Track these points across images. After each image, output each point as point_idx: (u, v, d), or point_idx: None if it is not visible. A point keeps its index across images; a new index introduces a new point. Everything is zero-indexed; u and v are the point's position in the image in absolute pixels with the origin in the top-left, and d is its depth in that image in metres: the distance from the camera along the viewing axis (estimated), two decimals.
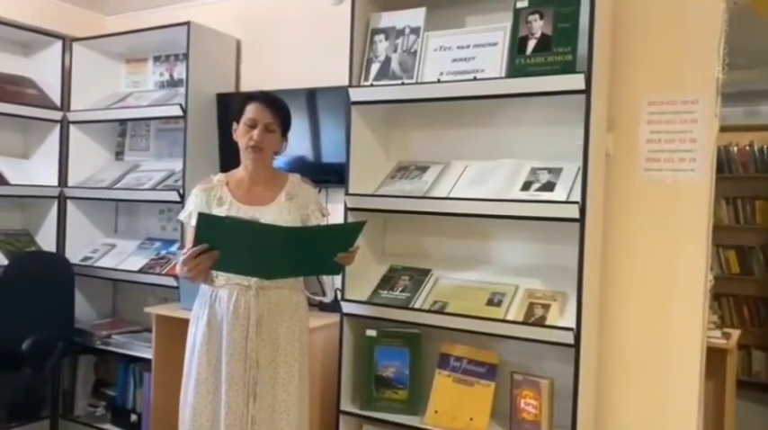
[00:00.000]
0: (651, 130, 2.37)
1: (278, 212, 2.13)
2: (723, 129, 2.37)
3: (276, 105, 2.16)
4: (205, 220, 1.91)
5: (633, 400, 2.38)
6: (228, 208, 2.13)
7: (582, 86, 2.09)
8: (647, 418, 2.35)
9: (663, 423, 2.33)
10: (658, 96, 2.35)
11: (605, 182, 2.38)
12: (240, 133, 2.15)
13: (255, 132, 2.11)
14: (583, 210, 2.10)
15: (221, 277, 2.11)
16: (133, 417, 3.25)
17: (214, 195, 2.16)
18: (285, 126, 2.20)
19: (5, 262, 3.27)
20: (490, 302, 2.33)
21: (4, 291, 3.07)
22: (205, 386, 2.09)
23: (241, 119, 2.15)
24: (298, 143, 2.95)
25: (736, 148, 5.26)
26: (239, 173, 2.22)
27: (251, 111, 2.13)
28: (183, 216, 2.22)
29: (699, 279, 2.29)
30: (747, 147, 5.26)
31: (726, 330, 3.31)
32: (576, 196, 2.14)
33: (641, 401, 2.36)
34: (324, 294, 2.82)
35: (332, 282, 2.80)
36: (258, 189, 2.19)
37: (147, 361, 3.01)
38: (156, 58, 3.68)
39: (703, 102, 2.29)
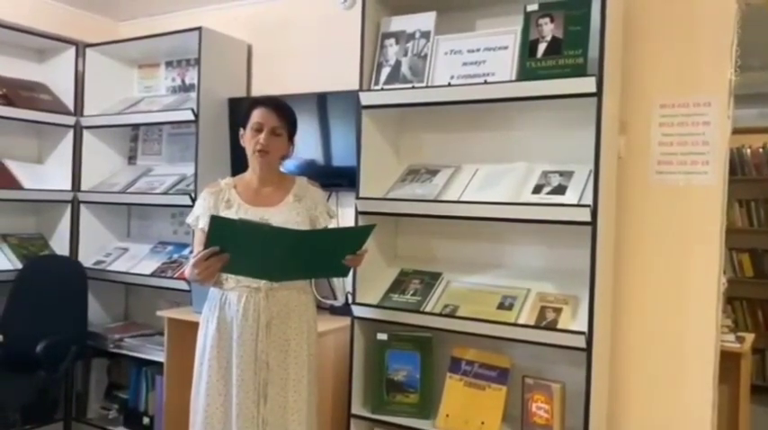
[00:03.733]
0: (663, 133, 2.36)
1: (287, 213, 2.14)
2: (736, 131, 2.35)
3: (282, 109, 2.17)
4: (217, 223, 1.92)
5: (646, 405, 2.36)
6: (237, 210, 2.14)
7: (593, 89, 2.08)
8: (660, 423, 2.34)
9: (676, 427, 2.31)
10: (670, 99, 2.34)
11: (617, 185, 2.37)
12: (247, 138, 2.17)
13: (262, 136, 2.13)
14: (594, 214, 2.09)
15: (231, 280, 2.12)
16: (146, 420, 3.27)
17: (222, 198, 2.18)
18: (291, 130, 2.21)
19: (20, 266, 3.30)
20: (501, 306, 2.32)
21: (19, 294, 3.10)
22: (216, 388, 2.10)
23: (248, 124, 2.17)
24: (308, 147, 2.96)
25: (749, 150, 5.22)
26: (247, 176, 2.24)
27: (257, 115, 2.14)
28: (190, 219, 2.23)
29: (712, 282, 2.27)
30: (761, 149, 5.21)
31: (740, 334, 3.29)
32: (588, 199, 2.13)
33: (654, 406, 2.35)
34: (335, 297, 2.82)
35: (343, 285, 2.80)
36: (266, 191, 2.20)
37: (160, 364, 3.03)
38: (168, 64, 3.71)
39: (716, 104, 2.27)
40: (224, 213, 2.13)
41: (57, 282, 3.27)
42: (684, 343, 2.30)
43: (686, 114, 2.32)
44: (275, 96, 2.26)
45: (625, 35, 2.36)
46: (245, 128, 2.18)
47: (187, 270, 2.08)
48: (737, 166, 5.18)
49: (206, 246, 1.93)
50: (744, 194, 5.19)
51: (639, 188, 2.38)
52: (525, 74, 2.26)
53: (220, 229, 1.92)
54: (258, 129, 2.13)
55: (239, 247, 1.94)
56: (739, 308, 5.23)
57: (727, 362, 2.66)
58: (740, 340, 3.18)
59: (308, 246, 2.00)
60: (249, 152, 2.17)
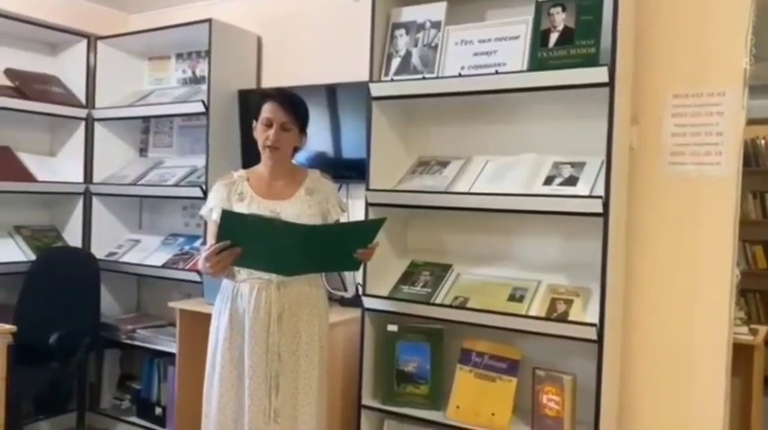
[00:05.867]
0: (676, 124, 2.34)
1: (299, 206, 2.15)
2: (750, 122, 2.33)
3: (292, 104, 2.17)
4: (228, 218, 1.93)
5: (657, 397, 2.35)
6: (249, 203, 2.15)
7: (605, 79, 2.07)
8: (671, 415, 2.33)
9: (688, 420, 2.30)
10: (683, 89, 2.32)
11: (629, 176, 2.35)
12: (258, 132, 2.18)
13: (271, 132, 2.13)
14: (606, 205, 2.08)
15: (243, 272, 2.13)
16: (158, 410, 3.30)
17: (235, 190, 2.18)
18: (302, 123, 2.21)
19: (33, 257, 3.33)
20: (512, 298, 2.32)
21: (32, 286, 3.13)
22: (229, 380, 2.11)
23: (259, 117, 2.17)
24: (318, 139, 2.96)
25: (763, 142, 5.16)
26: (260, 169, 2.24)
27: (267, 110, 2.15)
28: (204, 211, 2.24)
29: (725, 274, 2.25)
30: None
31: (753, 326, 3.26)
32: (600, 191, 2.12)
33: (666, 398, 2.34)
34: (345, 289, 2.82)
35: (353, 277, 2.81)
36: (278, 184, 2.21)
37: (171, 355, 3.05)
38: (179, 56, 3.71)
39: (730, 94, 2.24)
40: (236, 206, 2.14)
41: (70, 274, 3.30)
42: (697, 335, 2.28)
43: (699, 105, 2.30)
44: (286, 90, 2.26)
45: (638, 24, 2.33)
46: (257, 120, 2.18)
47: (199, 263, 2.10)
48: (751, 158, 5.12)
49: (217, 240, 1.95)
50: (758, 186, 5.13)
51: (652, 179, 2.36)
52: (537, 64, 2.24)
53: (232, 224, 1.93)
54: (268, 125, 2.14)
55: (250, 242, 1.95)
56: (752, 300, 5.18)
57: (740, 354, 2.65)
58: (753, 332, 3.15)
59: (319, 240, 2.01)
60: (260, 146, 2.18)
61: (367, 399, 2.54)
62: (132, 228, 3.79)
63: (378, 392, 2.57)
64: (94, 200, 3.62)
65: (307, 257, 2.02)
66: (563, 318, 2.18)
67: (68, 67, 3.66)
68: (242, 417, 2.09)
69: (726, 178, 2.25)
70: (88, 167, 3.61)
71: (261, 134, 2.16)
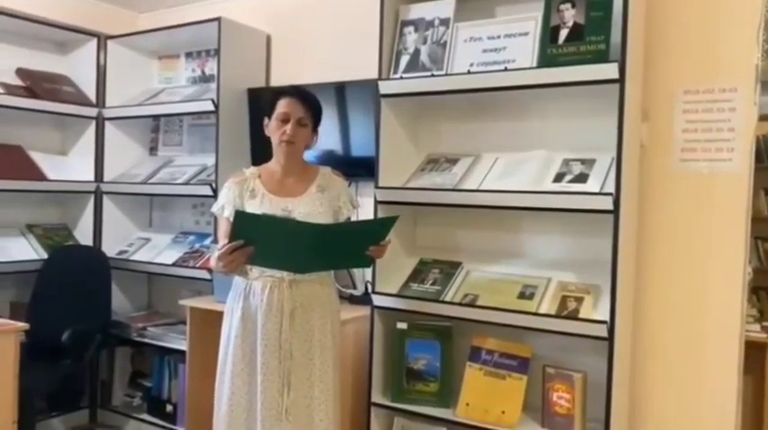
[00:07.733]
0: (687, 120, 2.32)
1: (310, 204, 2.15)
2: (762, 118, 2.31)
3: (308, 100, 2.18)
4: (242, 218, 1.94)
5: (669, 395, 2.34)
6: (261, 200, 2.15)
7: (615, 76, 2.05)
8: (683, 414, 2.31)
9: (700, 418, 2.29)
10: (695, 85, 2.30)
11: (640, 173, 2.34)
12: (273, 128, 2.17)
13: (288, 127, 2.13)
14: (617, 202, 2.07)
15: (255, 270, 2.13)
16: (169, 408, 3.32)
17: (246, 187, 2.19)
18: (316, 120, 2.21)
19: (45, 256, 3.35)
20: (522, 295, 2.31)
21: (44, 284, 3.15)
22: (241, 377, 2.12)
23: (273, 114, 2.17)
24: (328, 137, 2.96)
25: None
26: (271, 166, 2.24)
27: (283, 105, 2.15)
28: (215, 208, 2.25)
29: (737, 272, 2.23)
30: None
31: (765, 324, 3.23)
32: (610, 187, 2.11)
33: (677, 396, 2.32)
34: (354, 287, 2.83)
35: (362, 274, 2.81)
36: (290, 181, 2.21)
37: (182, 352, 3.06)
38: (188, 55, 3.73)
39: (742, 90, 2.23)
40: (248, 203, 2.14)
41: (81, 272, 3.32)
42: (709, 333, 2.27)
43: (711, 101, 2.28)
44: (300, 86, 2.26)
45: (648, 20, 2.32)
46: (269, 117, 2.18)
47: (212, 261, 2.11)
48: (763, 154, 5.04)
49: (230, 239, 1.95)
50: None
51: (662, 176, 2.34)
52: (546, 60, 2.24)
53: (245, 224, 1.94)
54: (284, 120, 2.14)
55: (264, 241, 1.96)
56: (765, 297, 5.13)
57: (753, 352, 2.63)
58: (766, 330, 3.12)
59: (332, 239, 2.02)
60: (275, 142, 2.18)
61: (377, 397, 2.54)
62: (143, 226, 3.81)
63: (387, 390, 2.58)
64: (105, 198, 3.64)
65: (320, 256, 2.03)
66: (573, 316, 2.17)
67: (79, 67, 3.68)
68: (253, 415, 2.10)
69: (737, 174, 2.23)
70: (99, 166, 3.63)
71: (276, 129, 2.15)
